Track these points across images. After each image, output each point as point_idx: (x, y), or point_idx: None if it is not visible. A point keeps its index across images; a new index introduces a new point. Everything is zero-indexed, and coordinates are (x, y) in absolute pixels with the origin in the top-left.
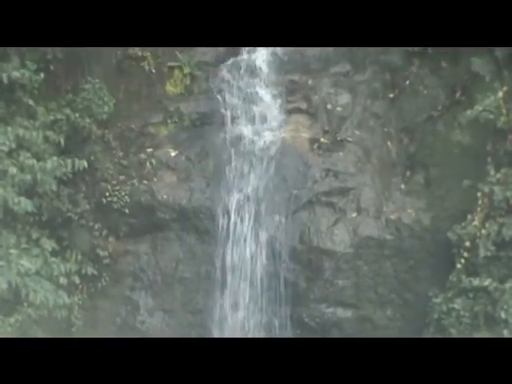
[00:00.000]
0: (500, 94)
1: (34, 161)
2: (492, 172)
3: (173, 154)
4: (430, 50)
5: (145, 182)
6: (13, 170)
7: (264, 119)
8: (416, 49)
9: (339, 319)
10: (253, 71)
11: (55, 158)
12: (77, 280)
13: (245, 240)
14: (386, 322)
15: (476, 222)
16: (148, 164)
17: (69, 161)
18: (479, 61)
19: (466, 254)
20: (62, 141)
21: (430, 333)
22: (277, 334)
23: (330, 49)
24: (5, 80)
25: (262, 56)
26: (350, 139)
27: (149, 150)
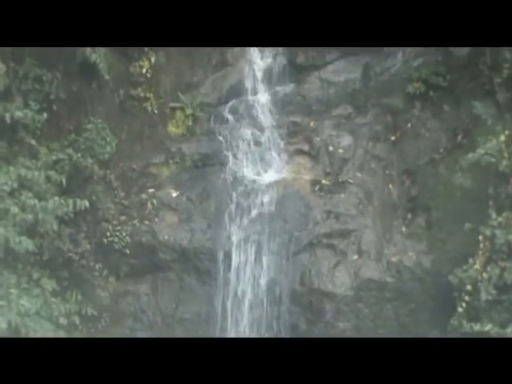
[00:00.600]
0: (502, 137)
1: (36, 200)
2: (494, 215)
3: (174, 194)
4: (431, 92)
5: (146, 222)
6: (14, 209)
7: (265, 160)
8: (418, 91)
9: None
10: (255, 113)
11: (57, 198)
12: (77, 320)
13: (245, 281)
14: None
15: (477, 266)
16: (149, 204)
17: (70, 201)
18: (481, 104)
19: (467, 298)
20: (64, 181)
21: None
22: None
23: (332, 91)
24: (8, 120)
25: (263, 97)
26: (351, 181)
27: (150, 190)
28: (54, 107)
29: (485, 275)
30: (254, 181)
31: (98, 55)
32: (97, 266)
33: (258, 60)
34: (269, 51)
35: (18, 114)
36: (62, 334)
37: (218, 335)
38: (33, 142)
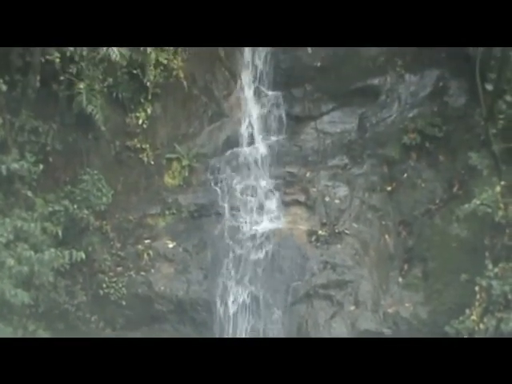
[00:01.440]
0: (498, 188)
1: (32, 252)
2: (490, 266)
3: (170, 245)
4: (427, 143)
5: (142, 273)
6: (10, 261)
7: (262, 211)
8: (413, 142)
9: None
10: (251, 163)
11: (53, 250)
12: None
13: (242, 332)
14: None
15: (474, 317)
16: (145, 255)
17: (66, 252)
18: (476, 155)
19: None
20: (60, 232)
21: None
22: None
23: (328, 142)
24: (4, 172)
25: (260, 148)
26: (347, 232)
27: (146, 241)
28: (50, 158)
29: (482, 326)
30: (250, 231)
31: (94, 106)
32: (93, 318)
33: (255, 111)
34: (265, 101)
35: (14, 165)
36: None
37: None
38: (29, 193)
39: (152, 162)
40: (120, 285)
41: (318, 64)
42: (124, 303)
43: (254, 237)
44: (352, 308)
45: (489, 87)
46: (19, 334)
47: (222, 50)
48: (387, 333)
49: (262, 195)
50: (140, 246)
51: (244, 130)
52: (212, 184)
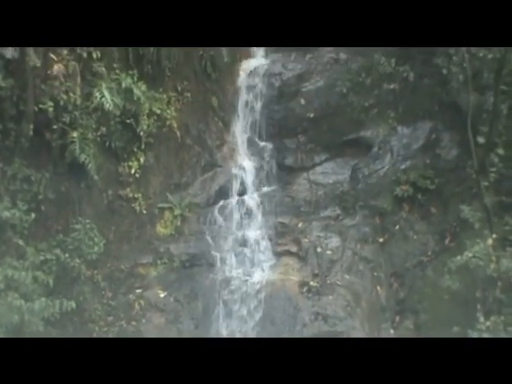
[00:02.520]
0: (489, 241)
1: (22, 301)
2: (481, 319)
3: (162, 295)
4: (419, 195)
5: (133, 323)
6: (0, 310)
7: (254, 261)
8: (406, 194)
9: None
10: (243, 213)
11: (43, 299)
12: None
13: None
14: None
15: None
16: (137, 305)
17: (57, 301)
18: (468, 208)
19: None
20: (51, 281)
21: None
22: None
23: (321, 193)
24: None
25: (252, 198)
26: (339, 283)
27: (138, 290)
28: (43, 207)
29: None
30: (242, 281)
31: (87, 155)
32: None
33: (247, 161)
34: (258, 152)
35: (6, 214)
36: None
37: None
38: (20, 242)
39: (144, 212)
40: (111, 334)
41: (311, 115)
42: None
43: (245, 287)
44: None
45: (481, 140)
46: None
47: (215, 100)
48: None
49: (254, 245)
50: (131, 296)
51: (236, 180)
52: (204, 234)
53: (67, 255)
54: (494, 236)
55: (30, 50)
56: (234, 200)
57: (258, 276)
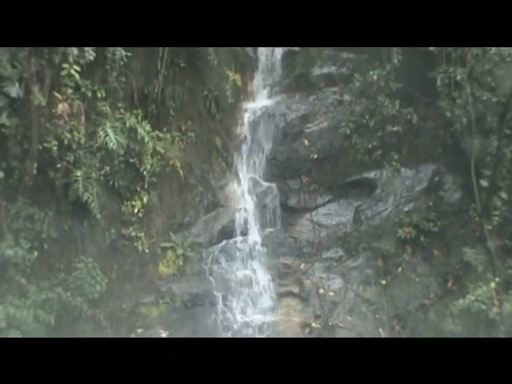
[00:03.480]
0: (492, 284)
1: None
2: None
3: (163, 334)
4: (422, 238)
5: None
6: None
7: (256, 302)
8: (408, 236)
9: None
10: (246, 253)
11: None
12: None
13: None
14: None
15: None
16: None
17: None
18: (471, 251)
19: None
20: (52, 320)
21: None
22: None
23: (323, 234)
24: None
25: (255, 239)
26: (341, 325)
27: (139, 330)
28: (45, 246)
29: None
30: (244, 322)
31: (90, 194)
32: None
33: (250, 201)
34: (261, 192)
35: (9, 252)
36: None
37: None
38: (22, 280)
39: (147, 251)
40: None
41: (315, 156)
42: None
43: (247, 328)
44: None
45: (484, 183)
46: None
47: (219, 140)
48: None
49: (256, 286)
50: (133, 335)
51: (239, 220)
52: (206, 274)
53: (69, 294)
54: (497, 279)
55: (35, 88)
56: (236, 240)
57: (260, 317)
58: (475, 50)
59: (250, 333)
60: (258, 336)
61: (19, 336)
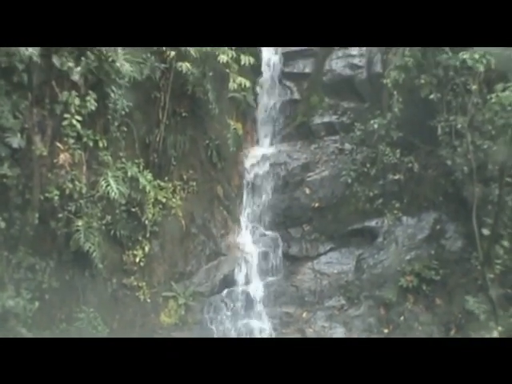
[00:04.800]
0: (495, 333)
1: None
2: None
3: None
4: (424, 286)
5: None
6: None
7: None
8: (410, 285)
9: None
10: (247, 303)
11: None
12: None
13: None
14: None
15: None
16: None
17: None
18: (473, 299)
19: None
20: None
21: None
22: None
23: (325, 282)
24: None
25: (257, 288)
26: None
27: None
28: (46, 296)
29: None
30: None
31: (91, 244)
32: None
33: (252, 250)
34: (263, 241)
35: (10, 303)
36: None
37: None
38: (23, 330)
39: (148, 300)
40: None
41: (316, 205)
42: None
43: None
44: None
45: (485, 232)
46: None
47: (220, 189)
48: None
49: (259, 335)
50: None
51: (241, 269)
52: (208, 323)
53: None
54: (500, 328)
55: (37, 139)
56: (238, 289)
57: None
58: (475, 99)
59: None
60: None
61: None
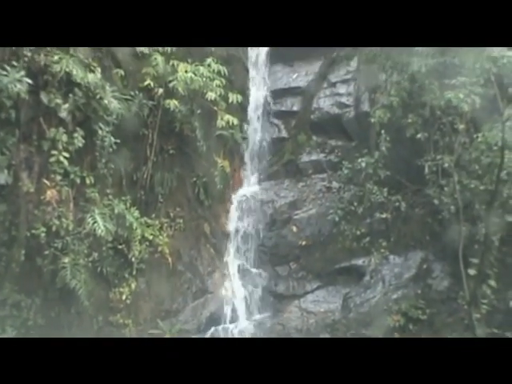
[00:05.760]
0: None
1: None
2: None
3: None
4: (411, 325)
5: None
6: None
7: None
8: (397, 324)
9: None
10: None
11: None
12: None
13: None
14: None
15: None
16: None
17: None
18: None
19: None
20: None
21: None
22: None
23: (312, 321)
24: None
25: (243, 325)
26: None
27: None
28: (32, 333)
29: None
30: None
31: (78, 281)
32: None
33: (239, 288)
34: (250, 279)
35: None
36: None
37: None
38: None
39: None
40: None
41: (303, 243)
42: None
43: None
44: None
45: (472, 272)
46: None
47: (207, 226)
48: None
49: None
50: None
51: (228, 307)
52: None
53: None
54: None
55: (24, 175)
56: (225, 327)
57: None
58: (462, 139)
59: None
60: None
61: None
